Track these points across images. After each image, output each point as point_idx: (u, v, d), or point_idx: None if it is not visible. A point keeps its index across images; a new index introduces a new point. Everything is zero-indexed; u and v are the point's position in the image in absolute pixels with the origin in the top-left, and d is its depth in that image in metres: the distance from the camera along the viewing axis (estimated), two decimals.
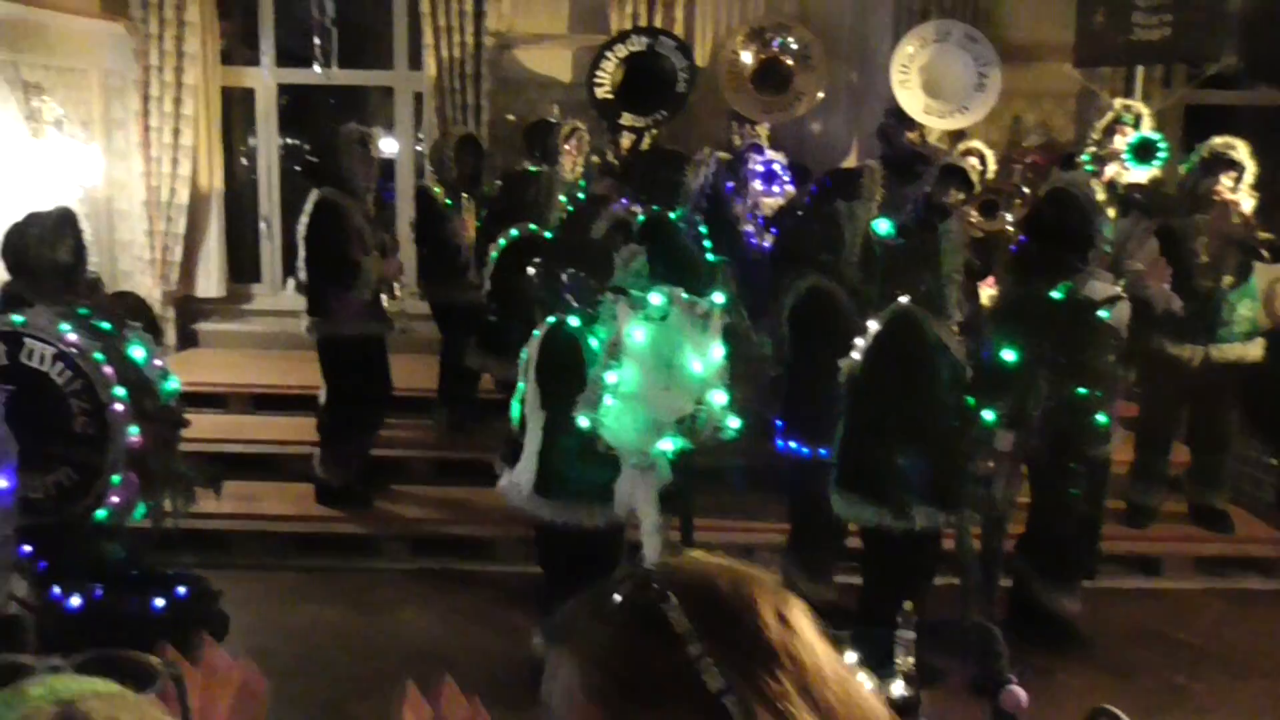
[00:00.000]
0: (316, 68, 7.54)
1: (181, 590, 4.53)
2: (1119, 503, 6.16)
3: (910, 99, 7.44)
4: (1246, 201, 5.63)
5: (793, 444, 5.11)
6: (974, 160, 6.56)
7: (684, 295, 3.79)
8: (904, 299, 4.13)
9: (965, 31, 7.58)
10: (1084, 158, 6.64)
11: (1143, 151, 6.47)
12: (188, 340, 8.38)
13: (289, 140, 9.81)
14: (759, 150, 6.68)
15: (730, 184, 6.80)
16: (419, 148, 8.75)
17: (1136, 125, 6.64)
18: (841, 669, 0.94)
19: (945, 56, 7.53)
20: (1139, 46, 6.74)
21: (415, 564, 5.91)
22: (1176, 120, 7.96)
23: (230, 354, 8.25)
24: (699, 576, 0.94)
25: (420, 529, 6.09)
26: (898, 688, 4.11)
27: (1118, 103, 6.88)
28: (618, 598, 0.93)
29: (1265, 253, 5.64)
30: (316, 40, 7.47)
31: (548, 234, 5.88)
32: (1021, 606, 4.92)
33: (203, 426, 6.56)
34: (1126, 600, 5.65)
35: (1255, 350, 5.83)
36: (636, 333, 3.69)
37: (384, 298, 6.08)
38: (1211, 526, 6.02)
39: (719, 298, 3.92)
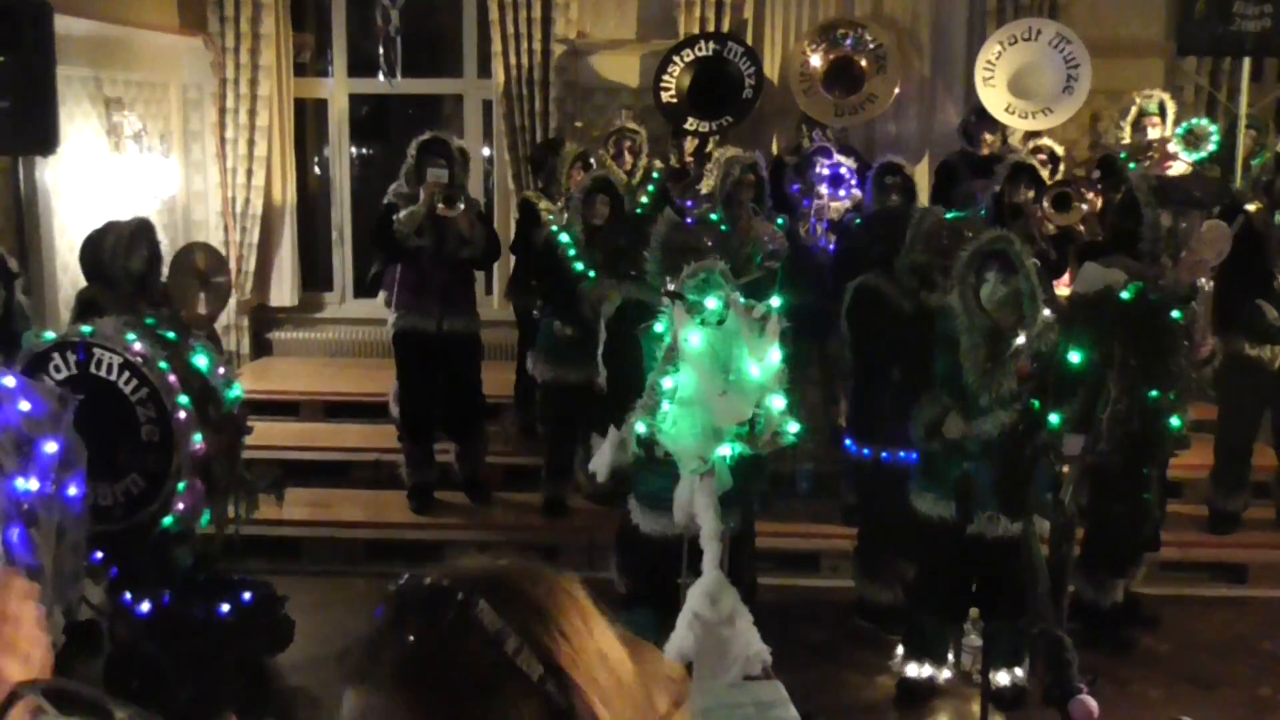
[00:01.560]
0: (380, 76, 7.61)
1: (247, 596, 4.61)
2: (1201, 509, 5.98)
3: (993, 98, 7.24)
4: None
5: (856, 445, 5.05)
6: (1043, 157, 6.39)
7: (741, 299, 3.75)
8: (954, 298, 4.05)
9: (1058, 31, 7.36)
10: (1123, 156, 6.43)
11: (1193, 139, 6.26)
12: (262, 349, 8.53)
13: (363, 150, 9.96)
14: (827, 154, 6.59)
15: (796, 186, 6.74)
16: (486, 152, 8.81)
17: (1162, 115, 6.44)
18: (621, 649, 0.99)
19: (1035, 56, 7.32)
20: (1239, 37, 6.54)
21: None
22: (1269, 115, 7.69)
23: (303, 362, 8.39)
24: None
25: (485, 535, 6.10)
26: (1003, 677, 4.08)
27: (1138, 95, 6.68)
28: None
29: None
30: (381, 50, 7.53)
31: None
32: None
33: (275, 434, 6.74)
34: (1210, 609, 5.46)
35: None
36: (693, 337, 3.65)
37: None
38: None
39: (775, 301, 3.85)
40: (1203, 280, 4.53)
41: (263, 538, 5.47)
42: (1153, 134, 6.47)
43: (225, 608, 4.50)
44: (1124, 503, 4.61)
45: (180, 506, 4.33)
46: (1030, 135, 7.43)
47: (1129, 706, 4.54)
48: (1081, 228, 5.78)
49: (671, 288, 4.09)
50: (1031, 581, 3.93)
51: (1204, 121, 6.39)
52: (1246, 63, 6.84)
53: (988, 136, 7.16)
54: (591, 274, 5.75)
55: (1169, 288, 4.50)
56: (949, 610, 3.93)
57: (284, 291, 8.49)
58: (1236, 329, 5.53)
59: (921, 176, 7.89)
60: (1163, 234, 4.66)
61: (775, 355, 3.74)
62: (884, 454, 4.82)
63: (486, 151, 8.83)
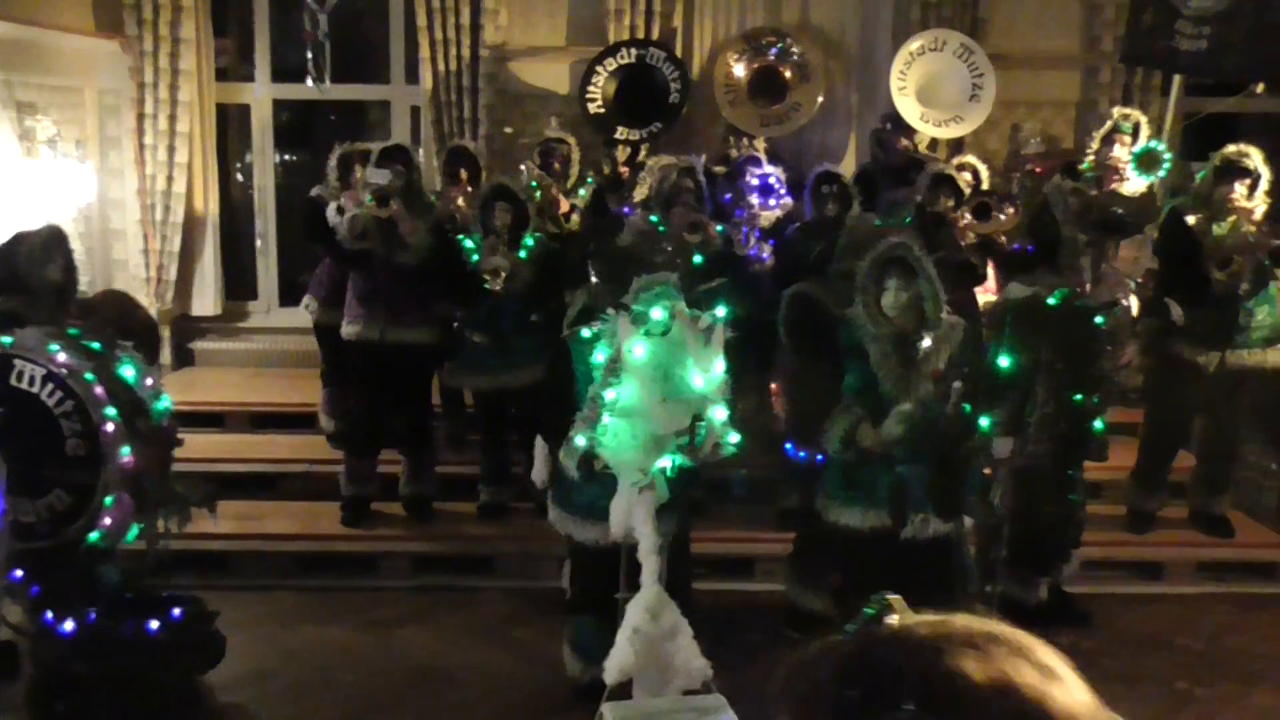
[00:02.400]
0: (309, 82, 7.51)
1: (177, 612, 4.51)
2: (1119, 508, 6.15)
3: (908, 106, 7.44)
4: (1261, 208, 5.58)
5: (795, 449, 5.11)
6: (967, 175, 6.53)
7: (685, 310, 3.76)
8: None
9: (961, 41, 7.56)
10: (1084, 166, 6.61)
11: (1147, 161, 6.44)
12: (184, 359, 8.36)
13: (287, 157, 9.81)
14: (756, 163, 6.66)
15: (728, 195, 6.80)
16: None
17: (1135, 134, 6.62)
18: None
19: (941, 65, 7.52)
20: (1177, 54, 6.70)
21: (416, 581, 5.87)
22: (1177, 128, 7.93)
23: (227, 373, 8.23)
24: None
25: (420, 546, 6.05)
26: None
27: (1116, 111, 6.85)
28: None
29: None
30: (310, 55, 7.43)
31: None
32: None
33: (200, 446, 6.58)
34: (1128, 606, 5.62)
35: (1275, 356, 5.78)
36: (637, 348, 3.66)
37: None
38: (1212, 532, 5.99)
39: (721, 312, 3.88)
40: (1125, 299, 4.67)
41: (190, 552, 5.36)
42: (1119, 151, 6.61)
43: (154, 625, 4.39)
44: (1052, 503, 4.75)
45: (107, 522, 4.23)
46: (955, 146, 7.61)
47: None
48: (1004, 238, 5.92)
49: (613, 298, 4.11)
50: (961, 582, 4.02)
51: (1159, 146, 6.56)
52: (1176, 80, 7.03)
53: (903, 143, 7.32)
54: (471, 244, 5.81)
55: (1094, 303, 4.63)
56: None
57: (206, 301, 8.34)
58: (1174, 333, 5.70)
59: None
60: (1081, 251, 4.79)
61: (719, 366, 3.77)
62: (819, 457, 4.88)
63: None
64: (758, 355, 5.90)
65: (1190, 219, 5.71)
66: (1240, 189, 5.60)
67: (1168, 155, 6.54)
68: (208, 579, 5.60)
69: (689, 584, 4.63)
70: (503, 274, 5.80)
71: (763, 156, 6.92)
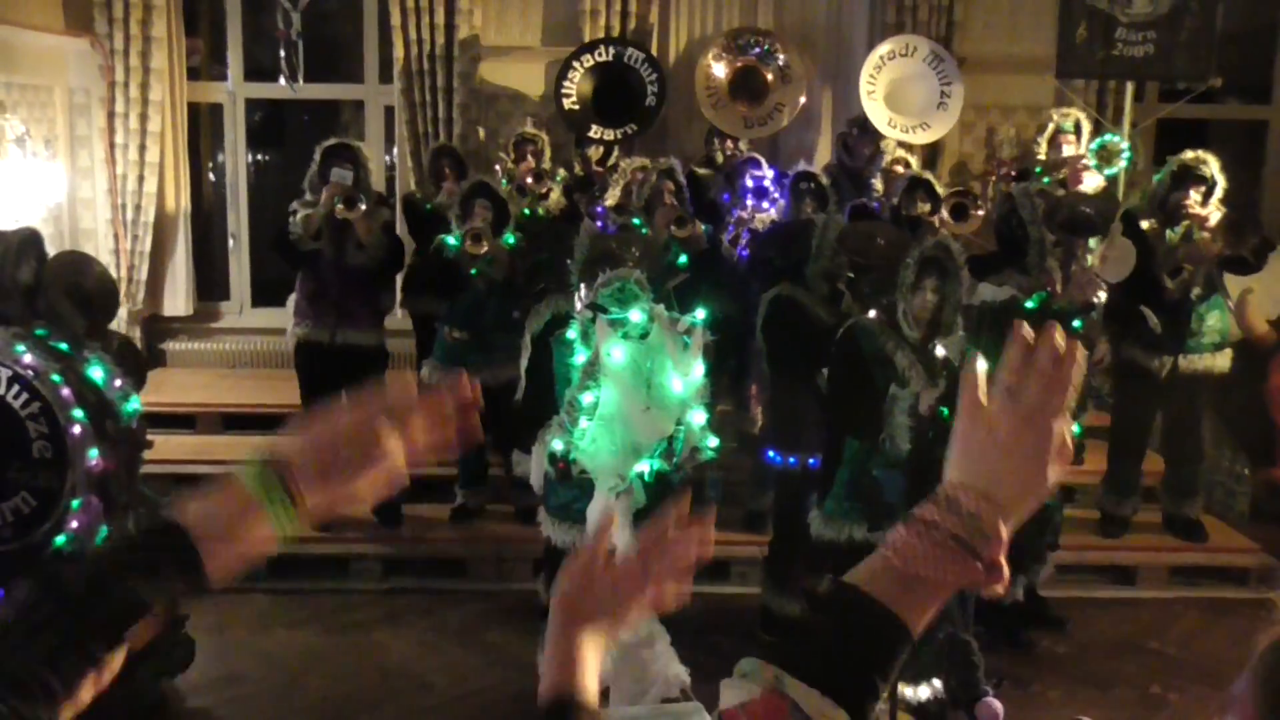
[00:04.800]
0: (283, 81, 7.45)
1: None
2: (1093, 513, 6.18)
3: (876, 111, 7.45)
4: (1215, 216, 5.63)
5: (775, 453, 5.09)
6: (900, 169, 6.56)
7: (665, 312, 3.74)
8: (871, 313, 4.09)
9: (931, 48, 7.58)
10: (1037, 171, 6.64)
11: (1106, 155, 6.49)
12: (155, 360, 8.25)
13: (260, 156, 9.73)
14: (756, 165, 6.66)
15: (726, 195, 6.79)
16: (388, 159, 8.70)
17: (1077, 132, 6.67)
18: None
19: (910, 72, 7.54)
20: (1121, 62, 6.75)
21: (388, 584, 5.83)
22: (1150, 135, 8.00)
23: (198, 373, 8.15)
24: None
25: (391, 548, 6.00)
26: (924, 692, 4.09)
27: (1055, 113, 6.91)
28: None
29: (1249, 258, 5.66)
30: (283, 54, 7.37)
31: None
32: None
33: (171, 448, 6.52)
34: (1102, 610, 5.65)
35: (1223, 361, 5.87)
36: (616, 352, 3.63)
37: None
38: (1185, 536, 6.03)
39: (700, 314, 3.85)
40: (1095, 298, 4.69)
41: None
42: (1067, 151, 6.67)
43: None
44: None
45: (74, 525, 4.16)
46: (929, 151, 7.63)
47: (1030, 708, 4.67)
48: (975, 239, 5.94)
49: (584, 297, 4.08)
50: None
51: (1116, 138, 6.61)
52: (1130, 86, 7.09)
53: (866, 150, 7.33)
54: (453, 241, 5.80)
55: (1065, 304, 4.65)
56: None
57: (178, 301, 8.24)
58: (1129, 339, 5.75)
59: None
60: (1049, 251, 4.81)
61: (698, 370, 3.74)
62: (810, 460, 4.87)
63: (388, 160, 8.71)
64: (736, 357, 5.91)
65: (1144, 224, 5.75)
66: (1195, 196, 5.64)
67: (1125, 146, 6.59)
68: None
69: None
70: (485, 241, 5.76)
71: (760, 158, 6.91)
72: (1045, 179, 6.48)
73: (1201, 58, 6.49)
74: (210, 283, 8.62)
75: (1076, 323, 4.56)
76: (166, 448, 6.19)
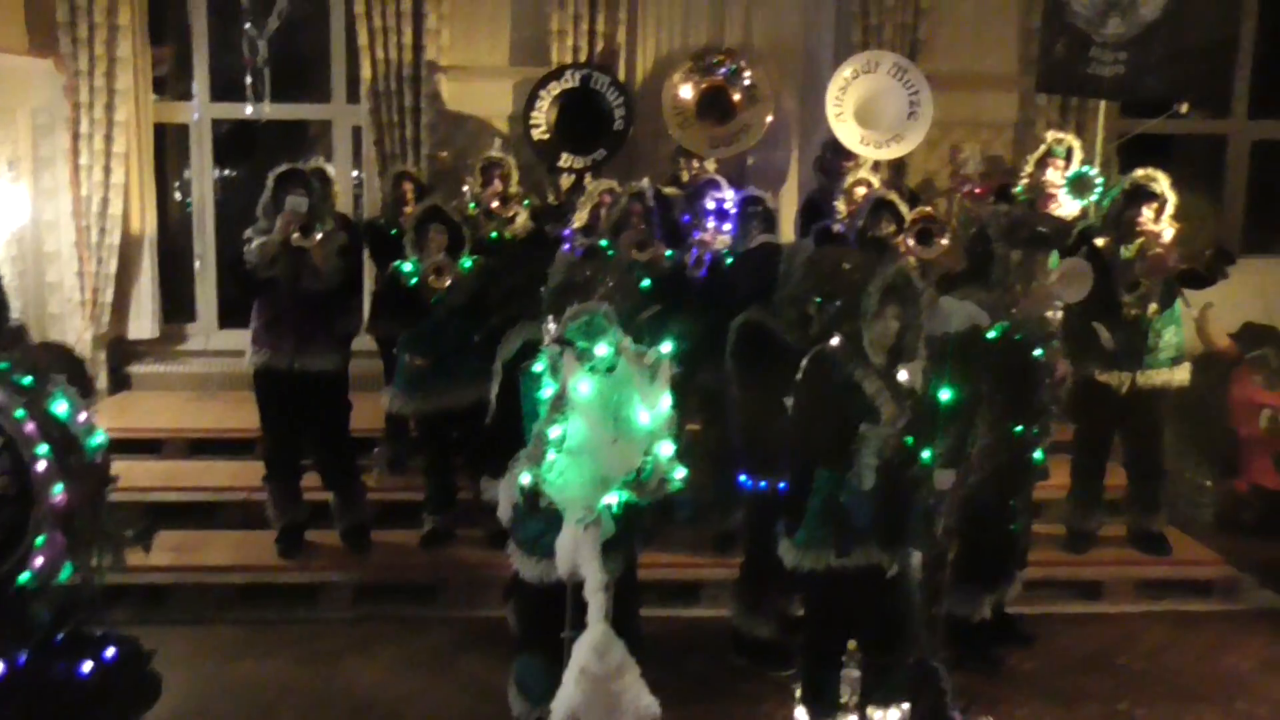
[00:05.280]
0: (249, 109, 7.41)
1: (110, 653, 4.39)
2: (1058, 528, 6.23)
3: (845, 130, 7.48)
4: (1168, 232, 5.72)
5: (751, 480, 5.10)
6: (862, 190, 6.60)
7: (631, 345, 3.74)
8: (835, 340, 4.11)
9: (895, 61, 7.64)
10: (1017, 190, 6.71)
11: (1079, 186, 6.57)
12: (120, 383, 8.20)
13: (226, 172, 9.67)
14: (717, 187, 6.68)
15: (687, 216, 6.80)
16: (356, 174, 8.68)
17: (1068, 158, 6.73)
18: None
19: (877, 87, 7.59)
20: (1094, 80, 6.82)
21: (357, 612, 5.80)
22: (1110, 146, 8.07)
23: (164, 396, 8.09)
24: None
25: (360, 575, 5.97)
26: (893, 715, 4.10)
27: (1050, 135, 6.97)
28: None
29: (1203, 272, 5.75)
30: (249, 80, 7.34)
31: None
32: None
33: (137, 474, 6.47)
34: (1068, 626, 5.69)
35: (1181, 375, 5.97)
36: (583, 385, 3.63)
37: None
38: (1149, 550, 6.10)
39: (667, 347, 3.86)
40: (1051, 312, 4.76)
41: (127, 586, 5.26)
42: (1052, 175, 6.71)
43: (87, 667, 4.28)
44: (994, 532, 4.81)
45: (39, 562, 4.10)
46: (894, 173, 7.67)
47: None
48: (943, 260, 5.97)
49: (552, 328, 4.08)
50: (908, 613, 4.04)
51: (1091, 171, 6.68)
52: (1102, 105, 7.16)
53: (846, 166, 7.37)
54: (409, 267, 5.80)
55: (1021, 319, 4.70)
56: (840, 655, 3.97)
57: (144, 323, 8.19)
58: (1087, 355, 5.82)
59: (789, 206, 8.09)
60: (1012, 268, 4.87)
61: (665, 402, 3.75)
62: (781, 485, 4.88)
63: (356, 174, 8.69)
64: (703, 376, 5.91)
65: (1099, 241, 5.84)
66: (1148, 212, 5.75)
67: (1099, 180, 6.66)
68: (145, 613, 5.50)
69: (637, 613, 4.61)
70: (446, 273, 5.75)
71: (721, 180, 6.93)
72: (1023, 197, 6.55)
73: (1170, 81, 6.57)
74: (177, 304, 8.56)
75: (1038, 351, 4.61)
76: (132, 474, 6.11)
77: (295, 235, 5.58)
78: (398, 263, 5.94)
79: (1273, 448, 6.92)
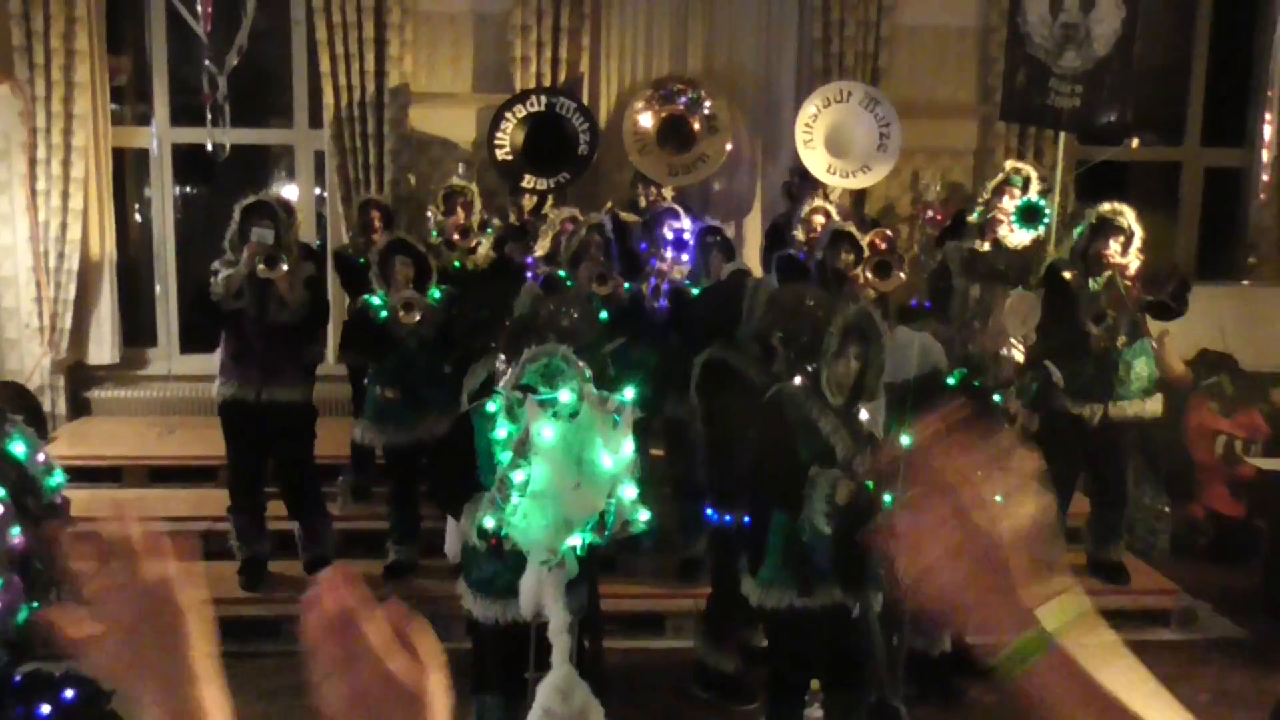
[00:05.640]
0: (209, 145, 7.38)
1: (69, 694, 4.35)
2: None
3: (814, 159, 7.55)
4: (1134, 264, 5.82)
5: (717, 514, 5.13)
6: (820, 219, 6.66)
7: (594, 391, 3.77)
8: (796, 380, 4.15)
9: (866, 92, 7.72)
10: (974, 216, 6.79)
11: (1028, 215, 6.67)
12: (79, 409, 8.11)
13: (187, 189, 9.58)
14: (674, 216, 6.72)
15: (644, 244, 6.83)
16: (319, 192, 8.64)
17: (1025, 188, 6.84)
18: None
19: (847, 117, 7.67)
20: (1053, 112, 6.93)
21: None
22: (1068, 175, 8.18)
23: (125, 422, 8.00)
24: None
25: None
26: None
27: (1009, 164, 7.07)
28: None
29: (1170, 302, 5.85)
30: (209, 117, 7.30)
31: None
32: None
33: (97, 503, 6.39)
34: None
35: (1154, 406, 6.05)
36: (545, 431, 3.65)
37: None
38: (1109, 579, 6.15)
39: (629, 393, 3.89)
40: (1007, 350, 4.83)
41: None
42: (1007, 203, 6.81)
43: (45, 709, 4.23)
44: None
45: None
46: (859, 196, 7.75)
47: None
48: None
49: (506, 370, 4.09)
50: (871, 652, 4.08)
51: (1041, 202, 6.78)
52: (1062, 135, 7.29)
53: (813, 194, 7.43)
54: (378, 301, 5.81)
55: (976, 355, 4.77)
56: (803, 693, 4.00)
57: (104, 348, 8.11)
58: (1056, 388, 5.88)
59: (753, 234, 8.15)
60: (970, 303, 4.94)
61: (628, 447, 3.77)
62: (746, 519, 4.91)
63: (319, 190, 8.65)
64: (661, 405, 5.94)
65: (1066, 274, 5.94)
66: (1115, 245, 5.84)
67: (1048, 211, 6.77)
68: None
69: (601, 648, 4.62)
70: (416, 308, 5.77)
71: (678, 208, 6.97)
72: (974, 224, 6.63)
73: (1123, 115, 6.68)
74: (137, 329, 8.48)
75: (997, 397, 4.67)
76: (92, 504, 6.03)
77: (261, 268, 5.57)
78: (366, 297, 5.94)
79: (1228, 474, 7.04)
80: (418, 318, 5.77)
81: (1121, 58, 6.55)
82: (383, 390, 5.96)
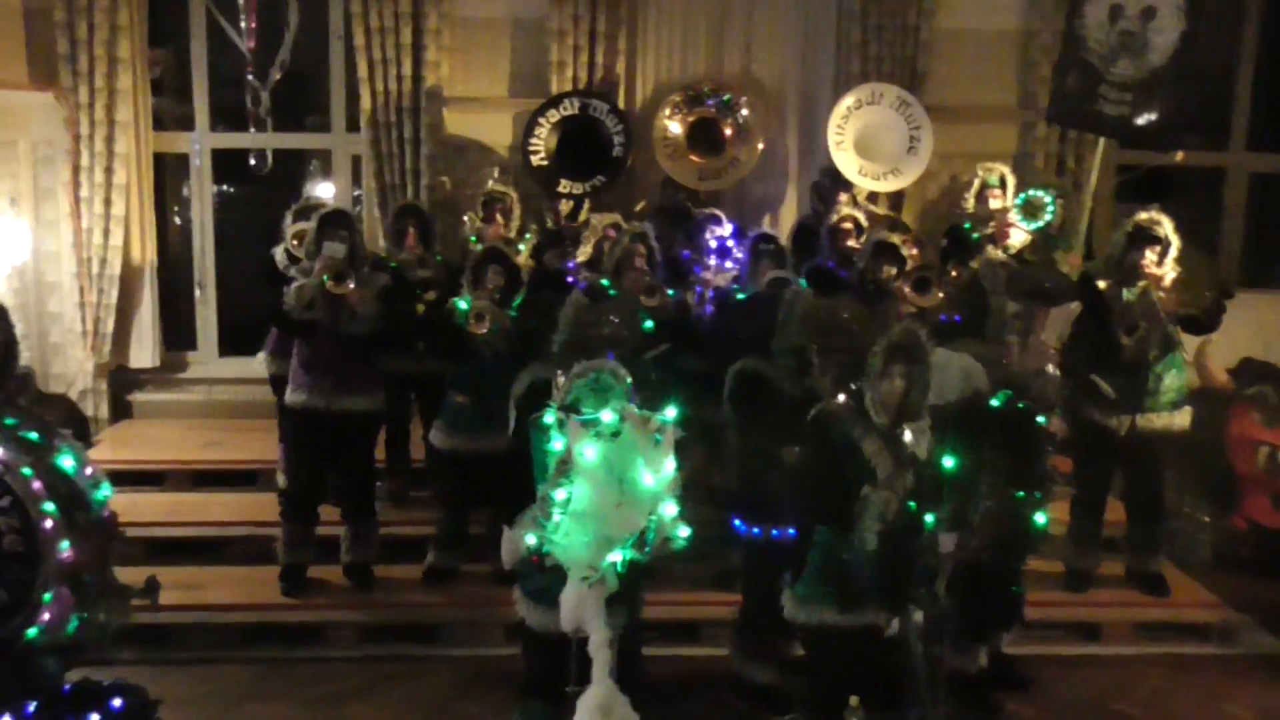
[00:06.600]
0: (251, 160, 7.47)
1: (117, 703, 4.42)
2: (1055, 565, 6.25)
3: (845, 160, 7.53)
4: (1170, 275, 5.74)
5: (745, 524, 5.13)
6: (848, 226, 6.63)
7: (636, 411, 3.79)
8: (840, 398, 4.15)
9: (898, 95, 7.69)
10: (967, 227, 6.71)
11: (1031, 209, 6.62)
12: (121, 411, 8.22)
13: (225, 187, 9.68)
14: (718, 222, 6.68)
15: (686, 252, 6.83)
16: (356, 193, 8.70)
17: (1003, 186, 6.80)
18: None
19: (878, 119, 7.64)
20: (1101, 118, 6.86)
21: (362, 651, 5.81)
22: (1108, 180, 8.11)
23: (165, 425, 8.10)
24: None
25: (365, 615, 5.98)
26: None
27: (980, 169, 7.04)
28: None
29: (1201, 317, 5.78)
30: (252, 130, 7.38)
31: None
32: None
33: (140, 508, 6.49)
34: (1066, 668, 5.68)
35: (1183, 419, 5.97)
36: (588, 451, 3.67)
37: None
38: (1149, 591, 6.10)
39: (671, 412, 3.91)
40: (1050, 366, 4.79)
41: (131, 626, 5.25)
42: (994, 204, 6.81)
43: (94, 718, 4.31)
44: (994, 596, 4.82)
45: (46, 617, 4.13)
46: (893, 205, 7.71)
47: None
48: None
49: (561, 382, 4.13)
50: (910, 671, 4.07)
51: (1041, 192, 6.73)
52: (1101, 140, 7.21)
53: (843, 197, 7.40)
54: (464, 305, 5.83)
55: (1018, 373, 4.73)
56: (841, 709, 4.01)
57: (145, 352, 8.21)
58: (1087, 397, 5.85)
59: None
60: (1008, 320, 4.90)
61: (670, 466, 3.79)
62: (774, 531, 4.92)
63: (356, 191, 8.71)
64: (701, 412, 5.93)
65: (1101, 284, 5.87)
66: (1151, 255, 5.75)
67: (1049, 200, 6.71)
68: (149, 653, 5.50)
69: (640, 657, 4.64)
70: (487, 319, 5.80)
71: (721, 215, 6.95)
72: (975, 235, 6.58)
73: (1170, 127, 6.61)
74: (177, 333, 8.58)
75: (1041, 419, 4.64)
76: (134, 508, 6.16)
77: (329, 283, 5.63)
78: (455, 299, 5.98)
79: (1270, 485, 6.97)
80: (486, 329, 5.79)
81: (1176, 70, 6.47)
82: (456, 395, 6.00)
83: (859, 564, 4.01)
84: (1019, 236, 6.74)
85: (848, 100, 7.67)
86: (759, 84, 8.25)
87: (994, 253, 5.94)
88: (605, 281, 5.93)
